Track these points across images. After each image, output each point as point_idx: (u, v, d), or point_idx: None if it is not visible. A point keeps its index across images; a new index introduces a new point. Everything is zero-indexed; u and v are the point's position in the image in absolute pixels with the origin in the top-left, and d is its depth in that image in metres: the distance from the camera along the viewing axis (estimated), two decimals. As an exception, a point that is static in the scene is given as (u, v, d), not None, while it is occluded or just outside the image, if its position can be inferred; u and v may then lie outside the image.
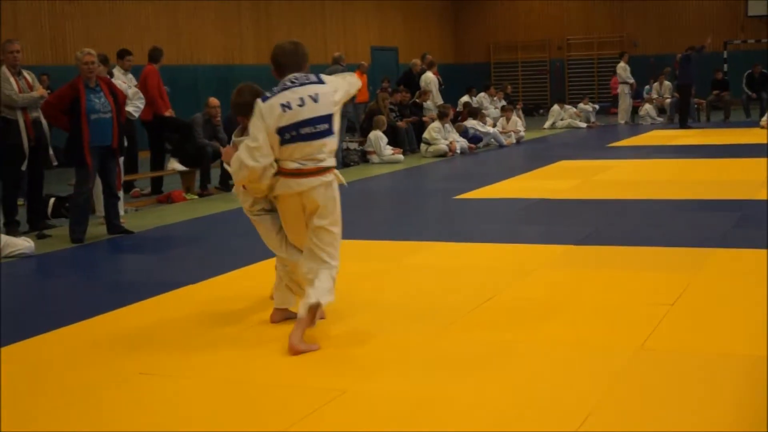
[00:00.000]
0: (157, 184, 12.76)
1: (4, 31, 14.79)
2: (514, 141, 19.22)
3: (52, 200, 10.51)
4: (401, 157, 16.41)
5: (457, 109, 19.85)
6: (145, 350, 5.21)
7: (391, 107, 17.62)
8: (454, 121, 18.16)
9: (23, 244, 8.34)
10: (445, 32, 31.36)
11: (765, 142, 15.75)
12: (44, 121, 9.61)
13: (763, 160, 12.80)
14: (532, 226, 8.87)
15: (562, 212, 9.76)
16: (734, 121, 22.87)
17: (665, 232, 8.18)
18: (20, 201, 10.00)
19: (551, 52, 31.07)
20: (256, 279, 6.70)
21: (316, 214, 5.15)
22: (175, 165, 12.45)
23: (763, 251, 6.96)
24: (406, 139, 17.57)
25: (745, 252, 7.12)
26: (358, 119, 18.52)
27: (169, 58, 15.59)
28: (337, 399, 4.28)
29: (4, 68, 9.53)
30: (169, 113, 13.02)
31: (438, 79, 19.77)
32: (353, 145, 16.52)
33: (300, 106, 5.05)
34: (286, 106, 5.04)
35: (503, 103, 21.75)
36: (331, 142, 5.17)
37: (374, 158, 16.16)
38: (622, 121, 23.89)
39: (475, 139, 18.08)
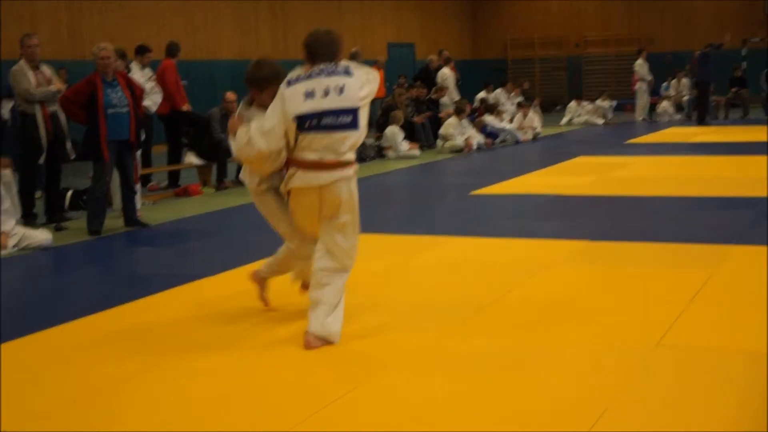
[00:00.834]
0: (174, 178, 12.79)
1: (22, 25, 14.84)
2: (531, 137, 19.17)
3: (69, 193, 10.55)
4: (417, 152, 16.39)
5: (474, 105, 19.81)
6: (159, 343, 5.22)
7: (407, 103, 17.59)
8: (471, 118, 18.13)
9: (41, 236, 8.38)
10: (462, 28, 31.31)
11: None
12: (62, 115, 9.65)
13: (781, 158, 12.73)
14: (549, 222, 8.84)
15: (579, 208, 9.73)
16: (753, 119, 22.74)
17: (683, 229, 8.14)
18: (38, 194, 10.05)
19: (568, 49, 30.97)
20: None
21: (336, 211, 5.03)
22: (192, 159, 12.49)
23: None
24: (423, 134, 17.55)
25: (763, 249, 7.06)
26: (374, 115, 18.50)
27: (186, 53, 15.59)
28: (349, 395, 4.27)
29: (22, 62, 9.57)
30: (186, 107, 13.04)
31: (455, 75, 19.74)
32: (369, 141, 16.49)
33: (324, 96, 4.93)
34: (309, 94, 4.93)
35: (520, 99, 21.68)
36: (354, 137, 5.03)
37: (390, 153, 16.15)
38: (640, 118, 23.79)
39: (491, 135, 18.05)
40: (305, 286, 5.47)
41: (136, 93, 9.27)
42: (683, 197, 10.09)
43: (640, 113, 23.93)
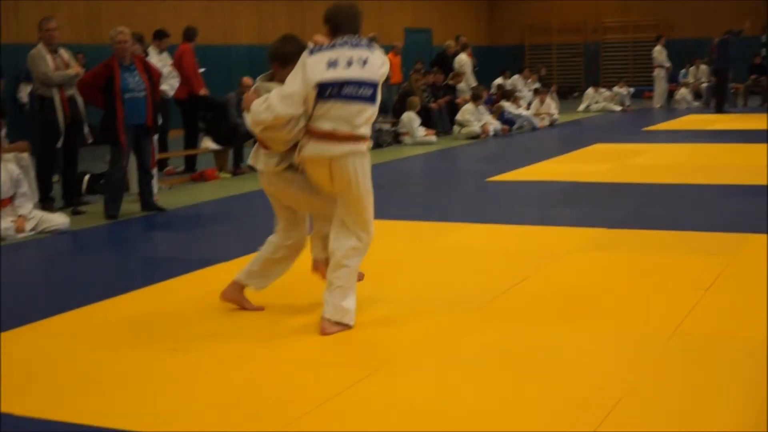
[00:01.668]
0: (190, 163, 12.81)
1: (41, 9, 14.85)
2: (548, 124, 19.11)
3: (86, 177, 10.59)
4: (434, 138, 16.36)
5: (491, 92, 19.75)
6: (176, 326, 5.24)
7: (424, 88, 17.56)
8: (489, 103, 18.08)
9: (58, 219, 8.43)
10: (480, 14, 31.18)
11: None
12: (80, 99, 9.67)
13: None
14: (566, 209, 8.82)
15: (596, 196, 9.70)
16: (772, 106, 22.60)
17: (700, 217, 8.11)
18: (55, 177, 10.08)
19: (586, 35, 30.80)
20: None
21: (347, 185, 4.96)
22: (208, 144, 12.50)
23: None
24: (439, 120, 17.51)
25: (782, 238, 7.04)
26: (391, 100, 18.48)
27: (203, 37, 15.58)
28: (370, 377, 4.29)
29: (41, 46, 9.59)
30: (203, 92, 13.05)
31: (472, 61, 19.68)
32: (386, 126, 16.48)
33: (347, 66, 4.87)
34: (332, 63, 4.85)
35: (537, 85, 21.61)
36: (370, 111, 4.97)
37: (407, 139, 16.13)
38: (658, 105, 23.67)
39: (508, 121, 18.00)
40: (318, 268, 5.43)
41: (153, 77, 9.28)
42: (701, 185, 10.04)
43: (658, 100, 23.81)
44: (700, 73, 24.79)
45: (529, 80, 22.41)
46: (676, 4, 29.19)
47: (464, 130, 16.84)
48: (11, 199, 8.30)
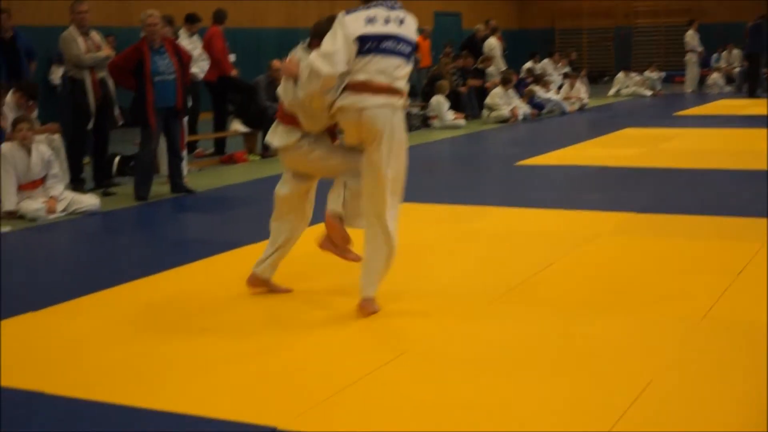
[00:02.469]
0: (220, 145, 12.85)
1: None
2: (578, 108, 19.00)
3: (117, 159, 10.65)
4: (463, 122, 16.31)
5: (521, 76, 19.66)
6: (205, 307, 5.27)
7: (453, 72, 17.50)
8: (521, 88, 18.00)
9: (89, 201, 8.49)
10: (510, -3, 31.00)
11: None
12: (110, 81, 9.72)
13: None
14: (594, 194, 8.77)
15: (626, 180, 9.64)
16: (805, 92, 22.33)
17: (731, 202, 8.05)
18: (86, 159, 10.15)
19: (617, 19, 30.54)
20: (318, 237, 6.72)
21: (376, 141, 4.82)
22: (237, 126, 12.53)
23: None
24: (468, 104, 17.45)
25: (814, 223, 6.97)
26: (420, 84, 18.43)
27: (233, 20, 15.58)
28: (399, 359, 4.30)
29: (72, 28, 9.64)
30: (234, 72, 13.05)
31: (501, 45, 19.59)
32: (415, 110, 16.45)
33: (386, 23, 4.84)
34: (370, 20, 4.81)
35: (567, 69, 21.47)
36: (408, 68, 4.91)
37: (436, 123, 16.09)
38: (689, 90, 23.47)
39: (538, 105, 17.92)
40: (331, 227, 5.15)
41: (183, 60, 9.30)
42: (732, 170, 9.96)
43: (689, 85, 23.60)
44: (732, 58, 24.53)
45: (559, 64, 22.27)
46: (709, -13, 28.88)
47: (493, 114, 16.78)
48: (43, 181, 8.38)
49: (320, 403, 3.80)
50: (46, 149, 8.59)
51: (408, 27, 4.94)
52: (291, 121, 5.11)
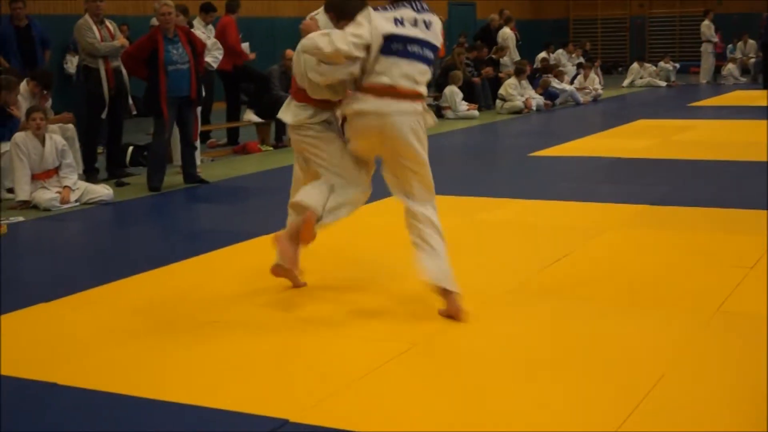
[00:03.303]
0: (233, 136, 12.86)
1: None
2: (591, 99, 18.94)
3: (130, 149, 10.67)
4: (476, 113, 16.28)
5: (535, 66, 19.60)
6: (217, 299, 5.27)
7: (467, 62, 17.46)
8: (533, 78, 17.94)
9: (102, 191, 8.51)
10: (524, -13, 30.88)
11: None
12: (124, 71, 9.73)
13: None
14: (608, 185, 8.75)
15: (640, 172, 9.60)
16: (821, 83, 22.18)
17: (746, 194, 8.00)
18: (99, 149, 10.17)
19: (632, 8, 30.38)
20: (330, 231, 6.71)
21: (402, 149, 4.73)
22: (251, 116, 12.53)
23: None
24: (482, 95, 17.41)
25: (829, 216, 6.93)
26: (433, 74, 18.37)
27: (247, 10, 15.59)
28: (409, 351, 4.30)
29: (87, 17, 9.65)
30: (252, 57, 13.00)
31: (515, 35, 19.53)
32: (428, 100, 16.39)
33: (414, 25, 4.70)
34: (398, 21, 4.66)
35: (581, 60, 21.40)
36: (429, 73, 4.82)
37: (449, 113, 16.06)
38: (704, 81, 23.36)
39: (551, 96, 17.87)
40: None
41: (197, 48, 9.28)
42: (747, 162, 9.91)
43: (704, 76, 23.48)
44: (747, 49, 24.39)
45: (573, 55, 22.20)
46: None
47: (507, 105, 16.74)
48: (56, 170, 8.40)
49: (331, 395, 3.81)
50: (59, 139, 8.61)
51: (434, 31, 4.79)
52: (304, 97, 4.99)
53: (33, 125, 8.33)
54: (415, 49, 4.70)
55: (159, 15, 8.99)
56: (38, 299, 5.26)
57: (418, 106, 4.77)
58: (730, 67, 23.75)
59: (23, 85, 9.37)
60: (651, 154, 10.78)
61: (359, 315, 4.90)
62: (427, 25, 4.76)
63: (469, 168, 10.78)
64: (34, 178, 8.28)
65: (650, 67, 23.50)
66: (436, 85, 17.19)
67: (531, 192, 8.41)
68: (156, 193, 8.93)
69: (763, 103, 17.21)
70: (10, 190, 8.50)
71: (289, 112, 5.08)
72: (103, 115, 9.69)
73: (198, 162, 9.80)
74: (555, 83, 18.26)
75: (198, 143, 9.91)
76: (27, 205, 8.16)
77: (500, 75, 17.98)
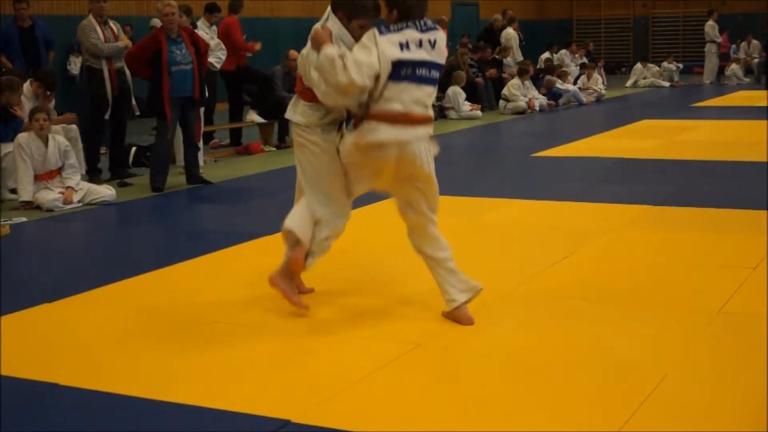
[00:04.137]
0: (235, 136, 12.86)
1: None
2: (595, 99, 18.93)
3: (133, 149, 10.68)
4: (479, 113, 16.28)
5: (538, 66, 19.59)
6: (219, 300, 5.28)
7: (470, 63, 17.46)
8: (536, 78, 17.93)
9: (105, 191, 8.52)
10: (527, -13, 30.86)
11: None
12: (128, 71, 9.74)
13: None
14: (611, 186, 8.74)
15: (643, 172, 9.60)
16: (824, 83, 22.15)
17: (748, 195, 8.00)
18: (102, 149, 10.18)
19: (635, 9, 30.37)
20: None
21: (417, 172, 4.67)
22: (254, 117, 12.53)
23: None
24: (485, 95, 17.41)
25: (832, 217, 6.92)
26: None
27: (250, 10, 15.63)
28: (412, 352, 4.30)
29: (91, 17, 9.66)
30: (258, 47, 12.97)
31: (519, 36, 19.52)
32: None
33: (419, 47, 4.59)
34: (403, 45, 4.53)
35: (584, 60, 21.38)
36: (435, 94, 4.78)
37: (452, 114, 16.06)
38: (708, 81, 23.34)
39: (554, 96, 17.86)
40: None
41: (200, 49, 9.28)
42: (750, 162, 9.90)
43: (708, 76, 23.46)
44: (751, 49, 24.37)
45: (577, 55, 22.18)
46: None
47: (510, 105, 16.73)
48: (59, 171, 8.41)
49: (334, 395, 3.81)
50: (62, 140, 8.62)
51: (439, 49, 4.69)
52: (312, 97, 4.82)
53: (36, 126, 8.34)
54: (422, 72, 4.61)
55: (162, 15, 8.99)
56: (41, 300, 5.27)
57: (430, 129, 4.74)
58: (734, 68, 23.72)
59: (26, 86, 9.38)
60: (654, 154, 10.78)
61: (361, 316, 4.90)
62: (432, 45, 4.65)
63: (471, 168, 10.77)
64: (37, 178, 8.30)
65: (653, 67, 23.48)
66: (439, 86, 17.15)
67: (533, 192, 8.41)
68: (159, 194, 8.94)
69: (765, 104, 17.19)
70: (13, 191, 8.51)
71: (298, 113, 4.95)
72: (107, 116, 9.70)
73: (201, 162, 9.81)
74: (558, 83, 18.25)
75: (201, 144, 9.91)
76: (30, 206, 8.17)
77: (503, 75, 17.98)
